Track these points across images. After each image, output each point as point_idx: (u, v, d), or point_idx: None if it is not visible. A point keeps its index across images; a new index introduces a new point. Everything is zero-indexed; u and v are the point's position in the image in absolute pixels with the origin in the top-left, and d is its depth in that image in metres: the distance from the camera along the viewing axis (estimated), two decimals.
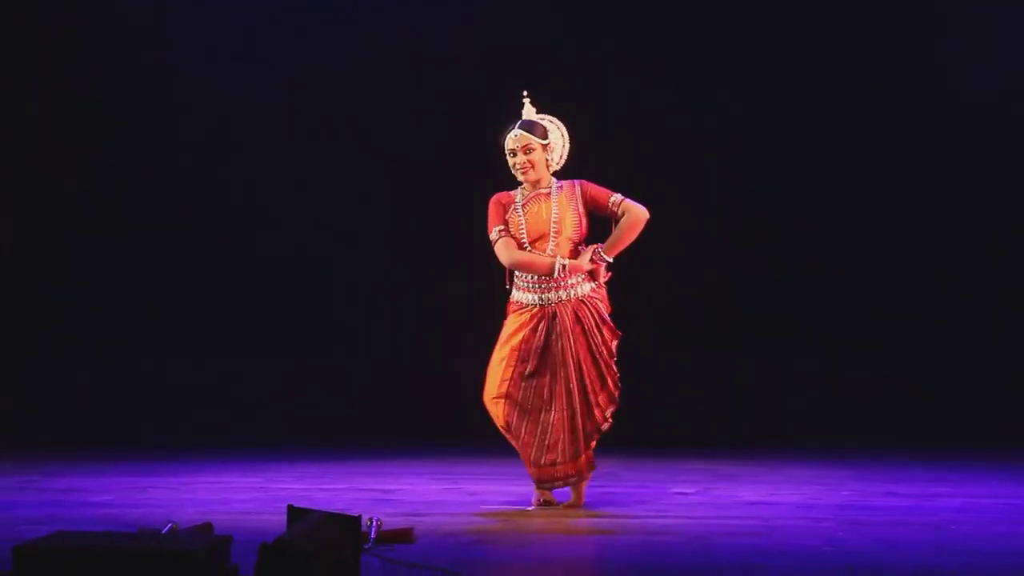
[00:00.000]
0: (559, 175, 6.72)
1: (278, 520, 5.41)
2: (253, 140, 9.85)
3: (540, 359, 6.50)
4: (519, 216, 6.60)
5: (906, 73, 9.70)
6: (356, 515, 4.61)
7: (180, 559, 3.88)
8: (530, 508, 6.49)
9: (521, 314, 6.57)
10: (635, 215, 6.57)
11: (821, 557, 5.19)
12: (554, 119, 6.72)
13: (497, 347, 6.60)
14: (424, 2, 9.88)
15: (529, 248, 6.56)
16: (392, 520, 5.70)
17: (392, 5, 9.89)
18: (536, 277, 6.52)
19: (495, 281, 6.83)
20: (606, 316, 6.59)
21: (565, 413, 6.47)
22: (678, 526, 5.95)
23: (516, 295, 6.62)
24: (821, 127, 9.75)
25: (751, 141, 9.77)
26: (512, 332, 6.57)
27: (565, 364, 6.48)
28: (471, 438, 6.63)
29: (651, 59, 9.79)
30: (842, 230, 9.76)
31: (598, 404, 6.49)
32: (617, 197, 6.60)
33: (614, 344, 6.57)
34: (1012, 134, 9.71)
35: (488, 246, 6.63)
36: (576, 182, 6.66)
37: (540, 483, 6.52)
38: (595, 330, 6.53)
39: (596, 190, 6.63)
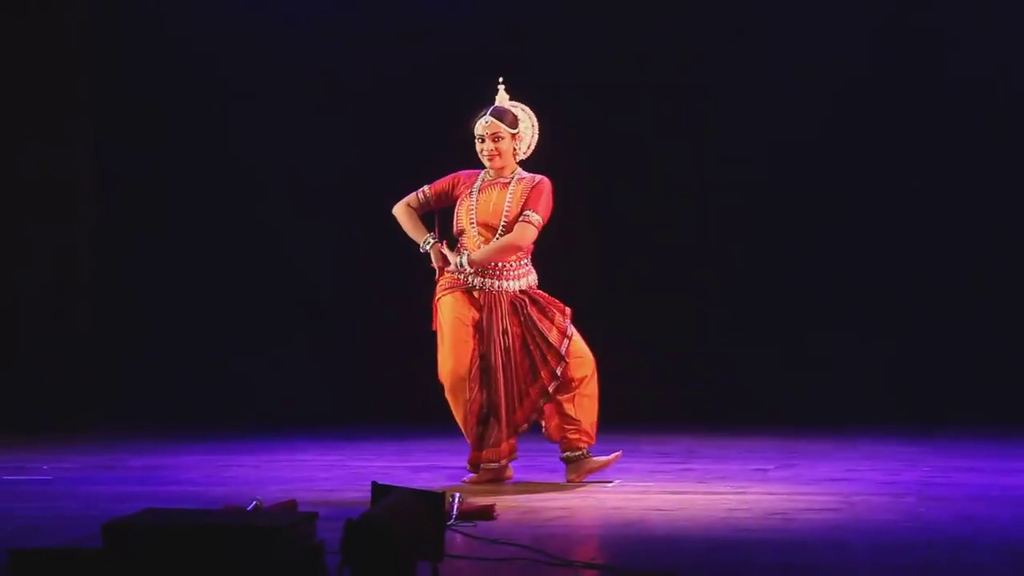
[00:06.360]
0: (527, 163, 6.69)
1: (361, 497, 5.47)
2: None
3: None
4: (471, 201, 6.59)
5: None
6: (440, 491, 4.66)
7: (269, 535, 3.92)
8: (609, 484, 6.53)
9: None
10: (514, 237, 6.52)
11: (902, 532, 5.19)
12: (526, 108, 6.66)
13: None
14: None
15: (475, 232, 6.54)
16: (473, 497, 5.75)
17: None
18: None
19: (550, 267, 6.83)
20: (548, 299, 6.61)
21: None
22: (757, 501, 5.96)
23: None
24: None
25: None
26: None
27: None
28: None
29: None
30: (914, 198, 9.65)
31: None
32: (527, 214, 6.52)
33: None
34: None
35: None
36: (537, 178, 6.60)
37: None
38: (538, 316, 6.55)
39: (535, 195, 6.54)
